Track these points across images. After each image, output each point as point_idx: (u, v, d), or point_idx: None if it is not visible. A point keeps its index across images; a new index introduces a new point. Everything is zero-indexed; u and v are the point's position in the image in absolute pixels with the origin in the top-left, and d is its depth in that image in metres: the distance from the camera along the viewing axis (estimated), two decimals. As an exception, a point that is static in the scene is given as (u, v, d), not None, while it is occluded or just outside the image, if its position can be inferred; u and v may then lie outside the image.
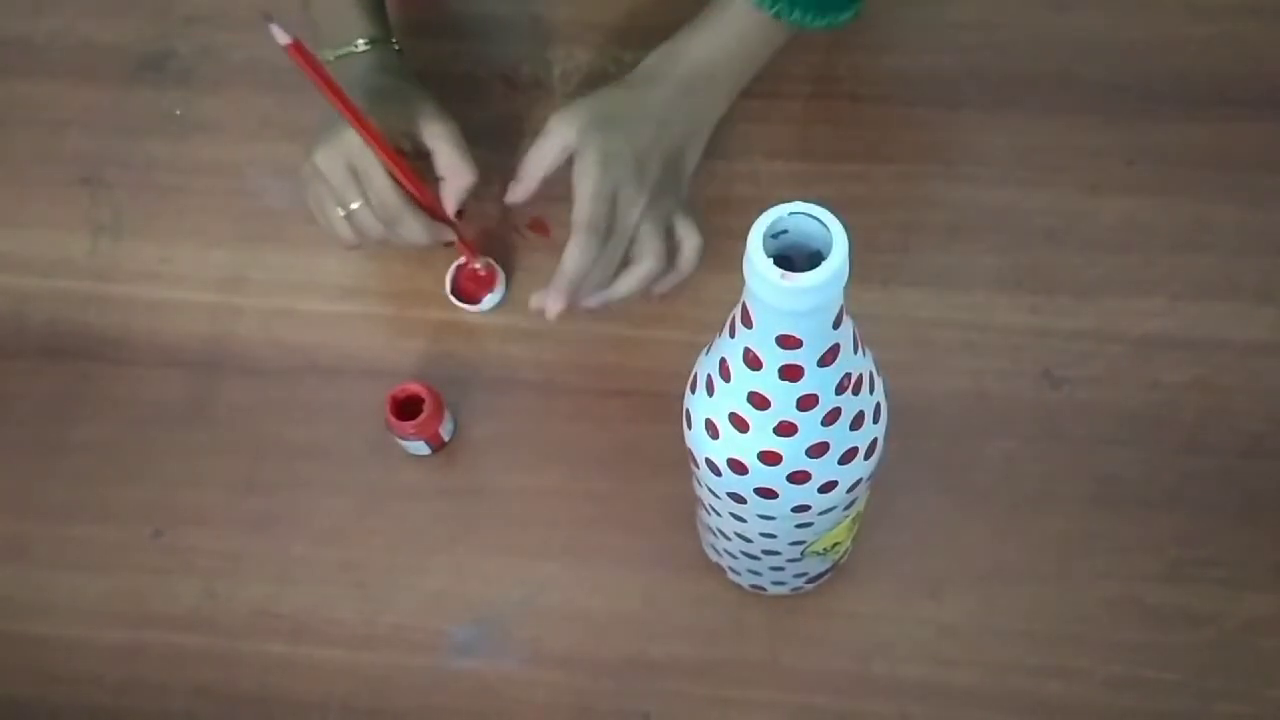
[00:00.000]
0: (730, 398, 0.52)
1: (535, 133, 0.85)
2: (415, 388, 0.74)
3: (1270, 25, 0.86)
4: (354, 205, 0.73)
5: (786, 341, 0.48)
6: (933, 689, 0.69)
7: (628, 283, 0.73)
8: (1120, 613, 0.70)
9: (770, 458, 0.53)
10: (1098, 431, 0.75)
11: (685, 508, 0.70)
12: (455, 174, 0.74)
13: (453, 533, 0.74)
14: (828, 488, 0.55)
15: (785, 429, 0.52)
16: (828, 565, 0.68)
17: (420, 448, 0.75)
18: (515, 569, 0.73)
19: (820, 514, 0.58)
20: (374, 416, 0.75)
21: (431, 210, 0.75)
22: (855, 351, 0.51)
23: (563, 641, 0.72)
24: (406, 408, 0.74)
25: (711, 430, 0.55)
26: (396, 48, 0.79)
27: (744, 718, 0.70)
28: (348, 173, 0.72)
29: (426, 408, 0.73)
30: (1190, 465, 0.74)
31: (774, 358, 0.49)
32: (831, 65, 0.86)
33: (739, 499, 0.57)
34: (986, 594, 0.71)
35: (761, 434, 0.52)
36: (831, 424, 0.52)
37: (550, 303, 0.71)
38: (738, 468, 0.55)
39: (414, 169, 0.72)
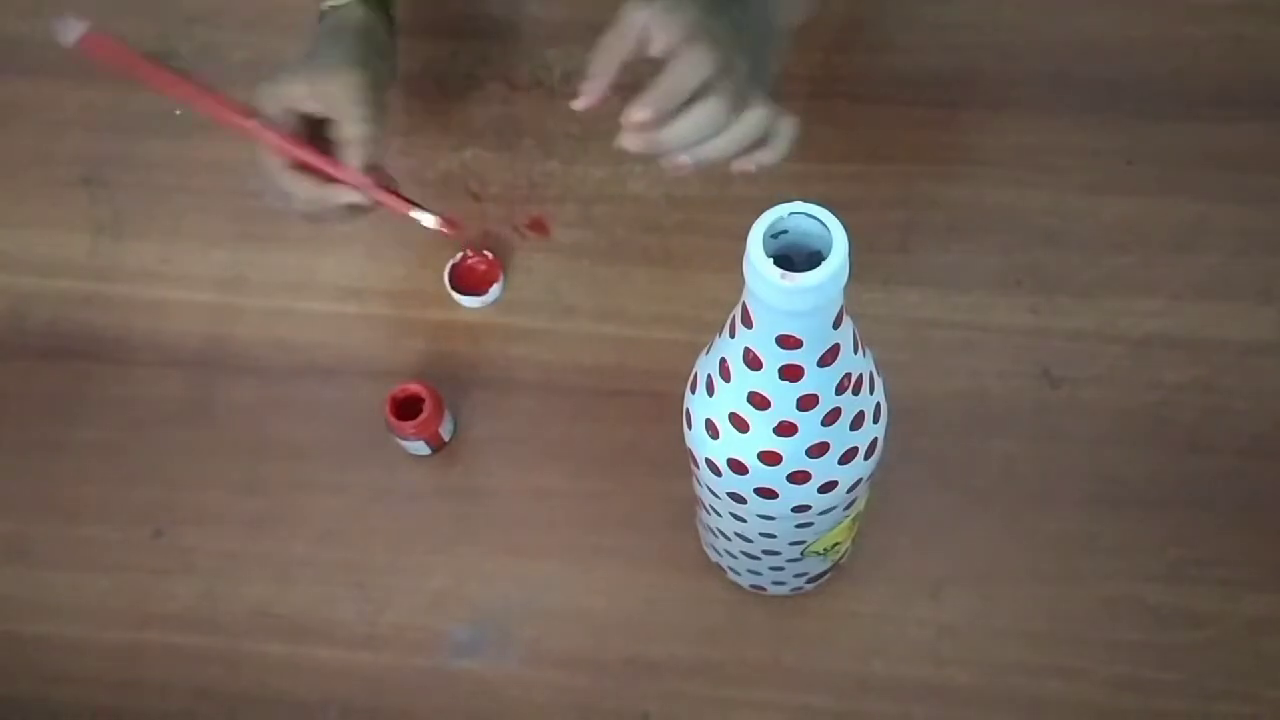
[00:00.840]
0: (730, 398, 0.52)
1: (535, 132, 0.85)
2: (415, 388, 0.74)
3: (1270, 25, 0.86)
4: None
5: (786, 341, 0.48)
6: (933, 689, 0.69)
7: (733, 135, 0.63)
8: (1120, 613, 0.70)
9: (770, 458, 0.53)
10: (1098, 431, 0.75)
11: (685, 508, 0.70)
12: (349, 131, 0.69)
13: (453, 533, 0.74)
14: (828, 488, 0.55)
15: (785, 429, 0.52)
16: (828, 565, 0.68)
17: (420, 448, 0.75)
18: (515, 569, 0.73)
19: (820, 514, 0.58)
20: (374, 416, 0.75)
21: (334, 172, 0.70)
22: (855, 351, 0.51)
23: (563, 641, 0.71)
24: (406, 408, 0.74)
25: (711, 430, 0.55)
26: (391, 16, 0.76)
27: (744, 718, 0.69)
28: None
29: (426, 408, 0.73)
30: (1190, 465, 0.74)
31: (774, 358, 0.49)
32: (831, 65, 0.86)
33: (739, 499, 0.57)
34: (986, 594, 0.71)
35: (761, 434, 0.52)
36: (831, 424, 0.52)
37: (637, 111, 0.61)
38: (738, 468, 0.55)
39: (296, 136, 0.69)
